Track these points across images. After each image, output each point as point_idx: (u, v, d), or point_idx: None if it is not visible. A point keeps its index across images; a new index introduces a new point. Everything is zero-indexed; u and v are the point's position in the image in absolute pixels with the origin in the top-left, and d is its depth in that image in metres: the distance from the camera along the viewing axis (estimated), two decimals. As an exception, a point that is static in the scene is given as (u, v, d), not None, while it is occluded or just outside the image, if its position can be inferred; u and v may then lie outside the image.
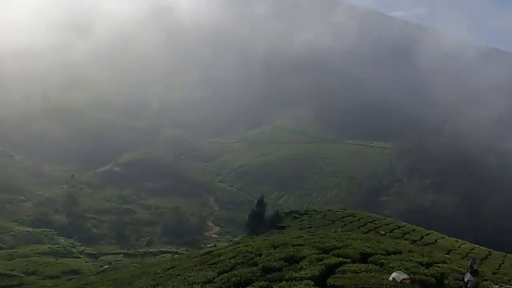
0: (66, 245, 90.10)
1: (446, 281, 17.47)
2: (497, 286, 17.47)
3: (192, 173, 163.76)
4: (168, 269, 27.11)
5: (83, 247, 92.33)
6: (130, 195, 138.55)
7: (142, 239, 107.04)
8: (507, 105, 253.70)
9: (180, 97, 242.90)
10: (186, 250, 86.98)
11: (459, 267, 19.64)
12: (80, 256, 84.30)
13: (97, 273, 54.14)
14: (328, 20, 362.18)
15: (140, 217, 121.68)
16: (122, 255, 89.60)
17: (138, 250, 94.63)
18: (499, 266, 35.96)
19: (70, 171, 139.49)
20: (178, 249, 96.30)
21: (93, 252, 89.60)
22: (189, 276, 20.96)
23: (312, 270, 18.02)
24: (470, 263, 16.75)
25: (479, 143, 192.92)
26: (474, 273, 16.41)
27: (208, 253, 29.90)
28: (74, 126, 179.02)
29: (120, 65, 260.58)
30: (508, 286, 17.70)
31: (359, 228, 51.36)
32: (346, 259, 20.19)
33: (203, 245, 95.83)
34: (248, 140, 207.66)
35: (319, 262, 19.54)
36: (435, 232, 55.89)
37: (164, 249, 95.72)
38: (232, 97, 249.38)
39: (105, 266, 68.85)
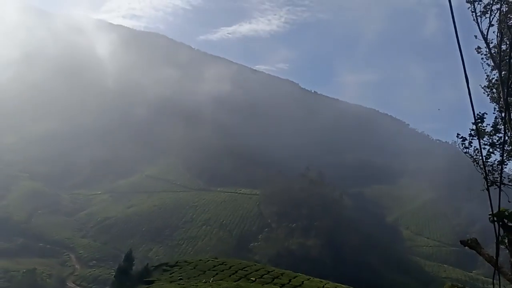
0: None
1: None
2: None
3: (50, 229, 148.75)
4: None
5: None
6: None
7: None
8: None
9: (41, 148, 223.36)
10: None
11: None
12: None
13: None
14: (205, 72, 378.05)
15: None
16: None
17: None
18: (359, 302, 38.35)
19: None
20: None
21: None
22: None
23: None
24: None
25: (339, 187, 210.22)
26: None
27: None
28: None
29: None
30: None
31: (230, 276, 51.31)
32: (215, 310, 19.56)
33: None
34: (115, 191, 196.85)
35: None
36: (302, 275, 58.24)
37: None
38: (101, 147, 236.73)
39: None
